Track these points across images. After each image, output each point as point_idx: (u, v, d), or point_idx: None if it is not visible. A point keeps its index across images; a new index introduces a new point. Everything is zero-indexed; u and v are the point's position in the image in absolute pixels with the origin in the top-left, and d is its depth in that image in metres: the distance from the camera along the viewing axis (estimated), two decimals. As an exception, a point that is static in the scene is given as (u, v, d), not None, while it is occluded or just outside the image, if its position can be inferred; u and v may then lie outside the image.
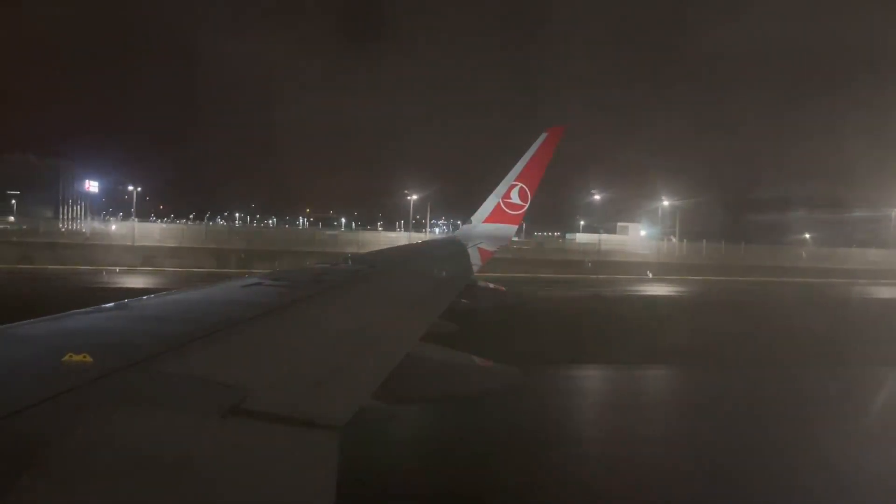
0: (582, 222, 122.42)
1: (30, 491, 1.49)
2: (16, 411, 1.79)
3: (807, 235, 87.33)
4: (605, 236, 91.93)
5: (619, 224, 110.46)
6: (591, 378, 19.73)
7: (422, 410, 12.05)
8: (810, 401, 16.39)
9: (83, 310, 3.35)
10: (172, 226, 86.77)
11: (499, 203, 14.07)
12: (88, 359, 2.28)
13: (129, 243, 55.20)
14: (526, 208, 14.22)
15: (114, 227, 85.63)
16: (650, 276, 49.11)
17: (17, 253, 46.12)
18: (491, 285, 9.83)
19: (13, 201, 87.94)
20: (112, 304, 3.63)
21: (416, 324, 4.66)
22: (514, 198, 14.04)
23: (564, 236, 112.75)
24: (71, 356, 2.28)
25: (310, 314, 4.04)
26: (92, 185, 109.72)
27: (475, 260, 11.10)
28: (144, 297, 4.08)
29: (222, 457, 1.87)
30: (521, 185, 13.96)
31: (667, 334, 24.32)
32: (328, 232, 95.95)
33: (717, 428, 14.27)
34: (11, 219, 72.98)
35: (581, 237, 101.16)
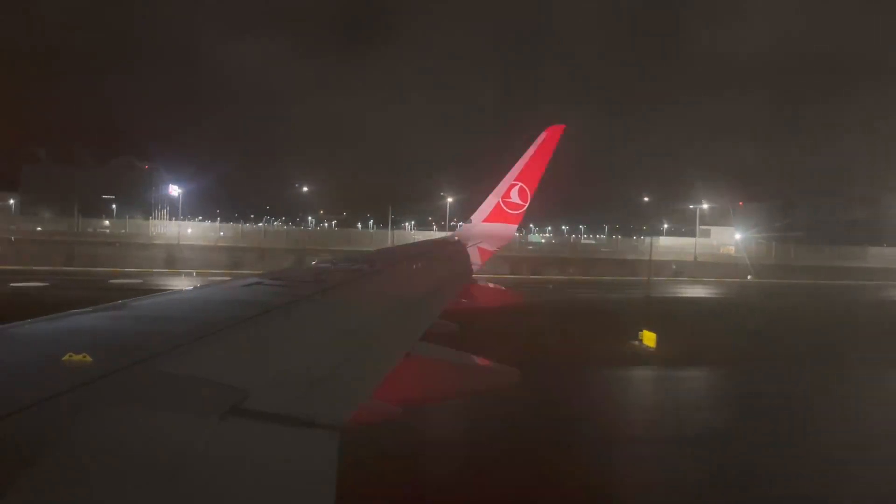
0: (665, 225, 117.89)
1: (30, 491, 1.49)
2: (16, 411, 1.79)
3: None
4: (698, 240, 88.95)
5: (700, 227, 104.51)
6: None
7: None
8: None
9: (83, 310, 3.35)
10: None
11: (498, 202, 14.05)
12: (88, 359, 2.28)
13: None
14: (526, 208, 14.19)
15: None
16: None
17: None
18: (491, 285, 9.82)
19: (113, 206, 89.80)
20: (112, 304, 3.62)
21: (415, 323, 4.65)
22: (514, 197, 14.01)
23: (644, 240, 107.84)
24: (71, 356, 2.28)
25: (309, 314, 4.03)
26: (174, 189, 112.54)
27: (475, 260, 11.08)
28: (144, 297, 4.07)
29: (222, 457, 1.87)
30: (520, 184, 13.94)
31: None
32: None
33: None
34: (107, 222, 74.99)
35: (664, 241, 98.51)
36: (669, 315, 35.01)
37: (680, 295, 49.17)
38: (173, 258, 49.05)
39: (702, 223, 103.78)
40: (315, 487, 1.92)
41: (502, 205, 14.02)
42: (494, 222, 14.04)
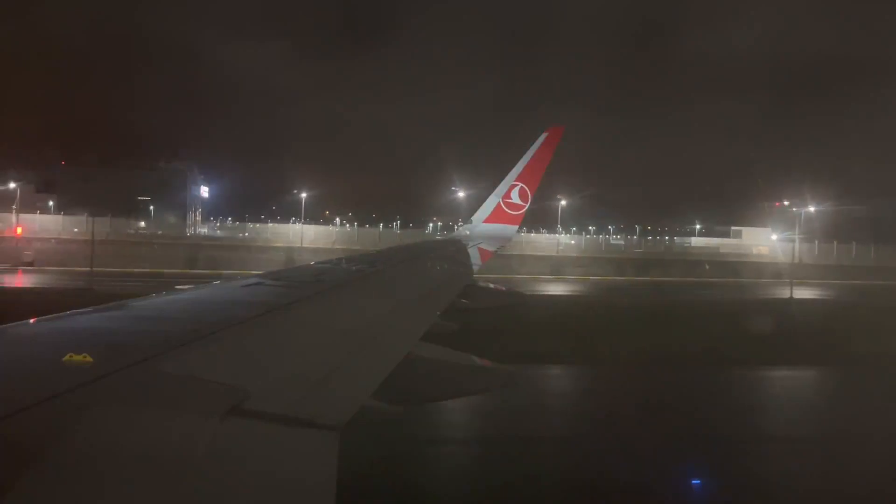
0: (698, 226, 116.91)
1: (30, 491, 1.49)
2: (16, 411, 1.80)
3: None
4: (724, 243, 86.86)
5: (732, 228, 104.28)
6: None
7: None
8: None
9: (83, 310, 3.35)
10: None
11: (499, 203, 14.07)
12: (88, 359, 2.28)
13: (551, 253, 64.44)
14: (526, 208, 14.21)
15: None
16: None
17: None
18: (491, 285, 9.83)
19: (151, 207, 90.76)
20: (112, 304, 3.63)
21: (416, 324, 4.65)
22: (515, 198, 14.03)
23: (674, 240, 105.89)
24: (71, 356, 2.28)
25: (310, 314, 4.03)
26: (204, 191, 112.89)
27: (475, 260, 11.11)
28: (144, 297, 4.08)
29: (223, 457, 1.87)
30: (521, 185, 13.96)
31: None
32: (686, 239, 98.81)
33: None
34: (142, 224, 76.09)
35: (697, 241, 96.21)
36: (867, 315, 32.69)
37: (822, 297, 46.11)
38: (293, 260, 48.91)
39: (734, 224, 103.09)
40: (315, 487, 1.92)
41: (503, 205, 14.04)
42: (495, 223, 14.07)
